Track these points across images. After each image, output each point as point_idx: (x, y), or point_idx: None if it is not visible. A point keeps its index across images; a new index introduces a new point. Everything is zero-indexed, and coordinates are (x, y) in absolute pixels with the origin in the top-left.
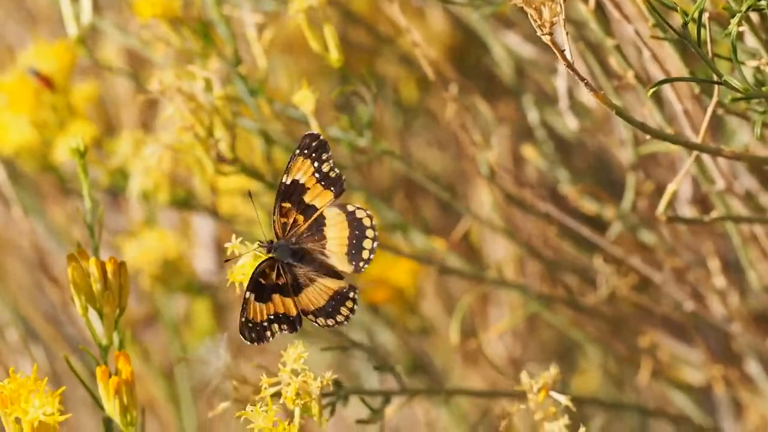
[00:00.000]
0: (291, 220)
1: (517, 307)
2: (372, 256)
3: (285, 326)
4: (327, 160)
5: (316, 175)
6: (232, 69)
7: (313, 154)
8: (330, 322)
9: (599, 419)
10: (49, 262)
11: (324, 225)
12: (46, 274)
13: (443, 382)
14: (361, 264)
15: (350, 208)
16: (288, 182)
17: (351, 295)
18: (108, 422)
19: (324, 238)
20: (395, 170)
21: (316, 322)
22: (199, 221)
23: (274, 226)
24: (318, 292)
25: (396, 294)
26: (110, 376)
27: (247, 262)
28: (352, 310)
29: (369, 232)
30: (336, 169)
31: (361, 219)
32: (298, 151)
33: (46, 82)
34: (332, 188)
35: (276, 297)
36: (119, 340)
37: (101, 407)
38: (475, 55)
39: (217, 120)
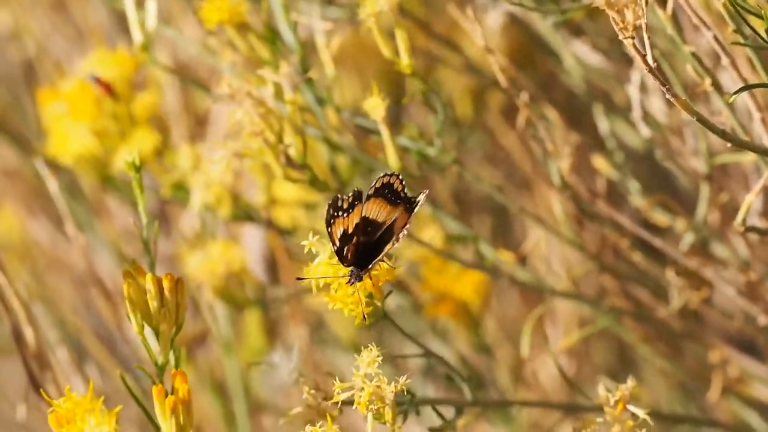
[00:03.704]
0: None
1: (573, 323)
2: None
3: None
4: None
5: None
6: (300, 76)
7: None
8: None
9: None
10: (102, 278)
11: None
12: (98, 291)
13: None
14: None
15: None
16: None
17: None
18: None
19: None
20: (452, 185)
21: None
22: (249, 235)
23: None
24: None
25: (460, 308)
26: (166, 395)
27: (323, 260)
28: None
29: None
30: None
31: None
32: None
33: (108, 88)
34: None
35: None
36: (175, 358)
37: (156, 427)
38: (540, 63)
39: (286, 125)
